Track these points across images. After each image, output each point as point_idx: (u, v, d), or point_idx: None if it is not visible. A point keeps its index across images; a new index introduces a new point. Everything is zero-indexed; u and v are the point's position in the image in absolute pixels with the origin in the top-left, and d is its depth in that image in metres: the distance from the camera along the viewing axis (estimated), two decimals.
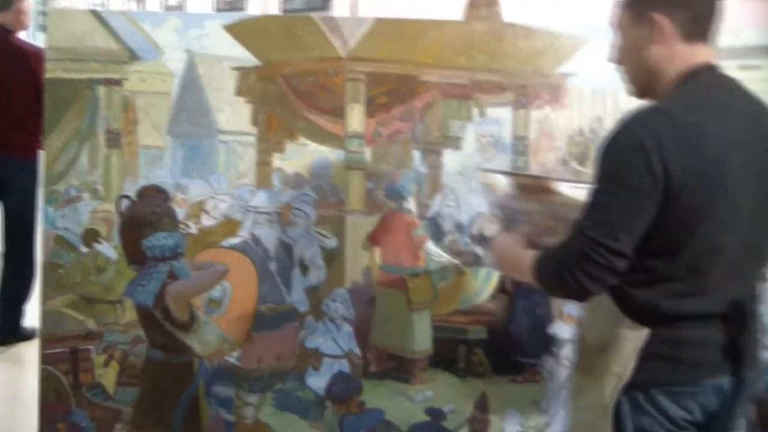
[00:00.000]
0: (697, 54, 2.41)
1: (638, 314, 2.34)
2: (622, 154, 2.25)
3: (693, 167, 2.23)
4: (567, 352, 4.08)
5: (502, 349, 4.13)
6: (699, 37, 2.42)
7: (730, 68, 4.06)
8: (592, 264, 2.24)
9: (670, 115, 2.28)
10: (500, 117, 4.08)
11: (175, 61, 3.83)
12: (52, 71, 3.78)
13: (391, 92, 4.00)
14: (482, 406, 4.08)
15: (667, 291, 2.32)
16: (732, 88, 2.45)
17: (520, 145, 4.09)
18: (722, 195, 2.28)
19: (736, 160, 2.30)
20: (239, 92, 3.88)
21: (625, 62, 2.53)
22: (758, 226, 2.40)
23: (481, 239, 4.09)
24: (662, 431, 2.38)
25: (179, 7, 7.67)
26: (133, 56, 3.84)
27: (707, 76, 2.41)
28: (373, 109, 3.97)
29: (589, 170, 4.04)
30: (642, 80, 2.51)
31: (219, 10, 7.29)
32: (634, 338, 2.33)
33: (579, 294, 2.32)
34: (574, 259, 2.26)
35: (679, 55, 2.41)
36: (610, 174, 2.26)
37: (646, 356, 2.33)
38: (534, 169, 4.07)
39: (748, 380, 2.44)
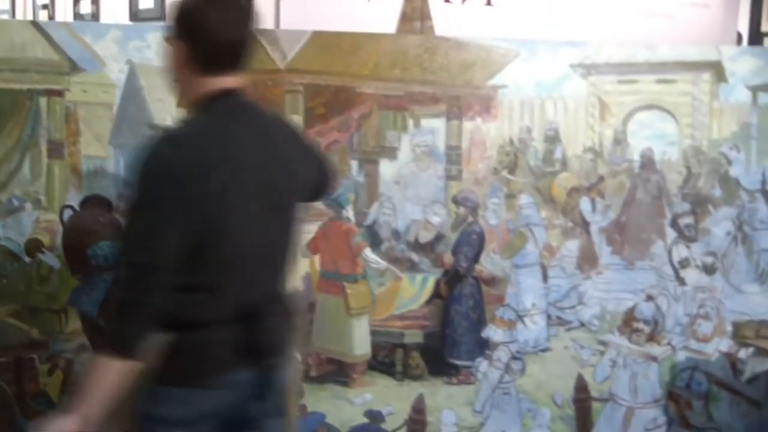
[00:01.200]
0: (218, 82, 2.52)
1: (163, 319, 2.46)
2: (147, 180, 2.38)
3: (206, 189, 2.38)
4: (500, 355, 4.24)
5: (438, 352, 4.25)
6: (219, 67, 2.51)
7: (648, 82, 4.34)
8: (147, 285, 2.37)
9: (185, 142, 2.43)
10: (434, 127, 4.21)
11: (116, 72, 3.83)
12: None
13: (329, 103, 4.09)
14: (419, 407, 4.20)
15: (188, 299, 2.46)
16: (249, 112, 2.61)
17: (453, 155, 4.22)
18: (235, 213, 2.45)
19: (248, 178, 2.48)
20: (180, 103, 3.92)
21: (171, 75, 2.62)
22: (273, 238, 2.61)
23: (417, 246, 4.21)
24: (182, 422, 2.54)
25: (94, 17, 7.59)
26: (74, 67, 3.83)
27: (226, 102, 2.53)
28: (311, 119, 4.05)
29: (519, 179, 4.22)
30: (182, 95, 2.68)
31: (132, 20, 7.25)
32: (158, 339, 2.46)
33: (152, 313, 2.40)
34: (132, 288, 2.38)
35: (201, 81, 2.52)
36: (141, 199, 2.39)
37: (169, 355, 2.47)
38: (466, 178, 4.22)
39: (273, 371, 2.65)
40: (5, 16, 9.24)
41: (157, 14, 6.89)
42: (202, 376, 2.53)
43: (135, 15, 7.12)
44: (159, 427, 2.55)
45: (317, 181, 2.89)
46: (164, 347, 2.47)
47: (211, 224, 2.40)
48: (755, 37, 8.26)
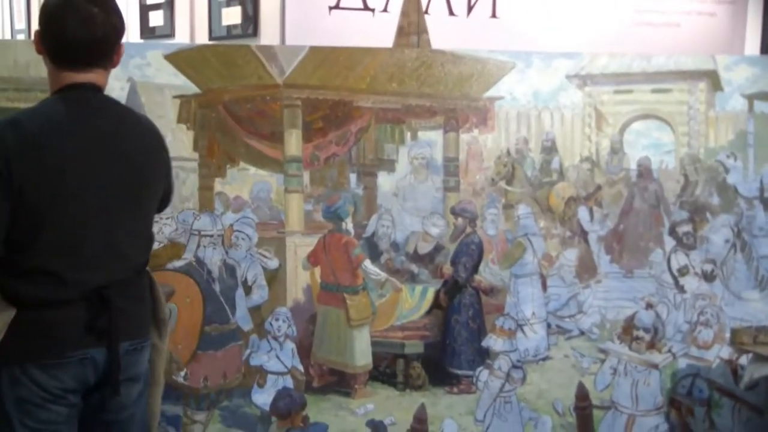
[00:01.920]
0: (68, 77, 2.71)
1: (8, 298, 2.64)
2: None
3: (34, 172, 2.57)
4: (500, 364, 4.27)
5: (439, 362, 4.29)
6: (69, 63, 2.71)
7: (644, 92, 4.38)
8: None
9: (20, 126, 2.59)
10: (431, 140, 4.27)
11: (117, 90, 3.88)
12: None
13: (327, 117, 4.15)
14: (421, 417, 4.23)
15: (30, 278, 2.63)
16: (99, 108, 2.76)
17: (450, 167, 4.28)
18: (67, 198, 2.62)
19: (85, 168, 2.65)
20: (181, 119, 3.98)
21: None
22: (116, 226, 2.74)
23: (416, 257, 4.26)
24: (39, 400, 2.68)
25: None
26: None
27: (72, 96, 2.71)
28: (310, 133, 4.12)
29: (516, 189, 4.26)
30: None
31: (143, 37, 7.35)
32: (3, 316, 2.63)
33: None
34: None
35: (53, 74, 2.75)
36: None
37: (15, 335, 2.63)
38: (464, 189, 4.27)
39: (127, 353, 2.80)
40: (22, 36, 9.38)
41: (167, 31, 6.99)
42: (53, 352, 2.67)
43: (146, 31, 7.23)
44: (17, 410, 2.68)
45: (163, 191, 3.00)
46: (13, 326, 2.63)
47: (34, 207, 2.58)
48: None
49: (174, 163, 3.91)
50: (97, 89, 2.77)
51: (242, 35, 6.03)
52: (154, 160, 2.90)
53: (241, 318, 4.06)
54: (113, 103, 2.85)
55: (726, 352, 4.42)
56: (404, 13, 4.45)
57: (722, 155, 4.45)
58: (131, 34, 7.17)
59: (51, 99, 2.73)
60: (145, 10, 7.27)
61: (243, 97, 4.05)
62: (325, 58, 4.11)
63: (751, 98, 4.44)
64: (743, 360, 4.33)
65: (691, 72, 4.45)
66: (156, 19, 7.13)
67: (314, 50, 4.10)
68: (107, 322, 2.71)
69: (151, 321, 2.98)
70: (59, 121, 2.65)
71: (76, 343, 2.69)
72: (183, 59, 3.97)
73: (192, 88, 3.98)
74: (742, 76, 4.44)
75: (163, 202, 3.04)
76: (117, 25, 2.76)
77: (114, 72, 3.83)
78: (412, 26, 4.43)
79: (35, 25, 2.80)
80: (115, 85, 3.90)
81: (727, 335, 4.39)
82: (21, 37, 9.43)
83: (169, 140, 3.72)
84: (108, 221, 2.72)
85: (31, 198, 2.57)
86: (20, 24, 9.62)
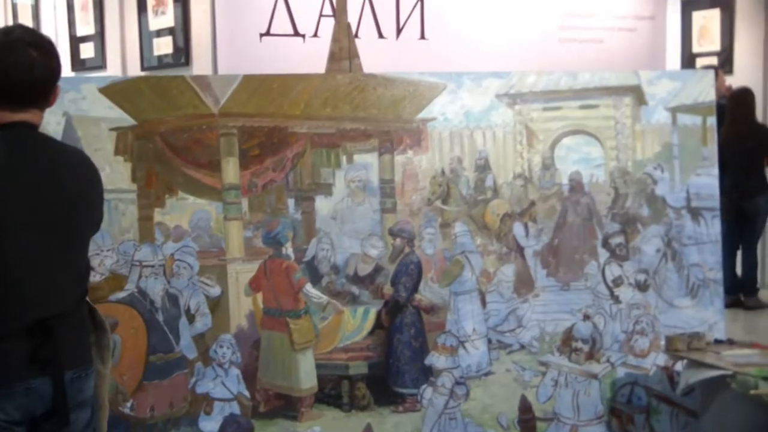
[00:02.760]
0: (4, 116, 2.75)
1: None
2: None
3: None
4: (444, 381, 4.33)
5: (383, 382, 4.33)
6: (5, 103, 2.74)
7: (572, 108, 4.48)
8: None
9: None
10: (367, 162, 4.33)
11: (54, 124, 3.89)
12: None
13: (263, 144, 4.20)
14: None
15: None
16: (35, 147, 2.81)
17: (387, 188, 4.34)
18: (7, 238, 2.68)
19: (24, 208, 2.71)
20: (118, 151, 4.00)
21: None
22: (55, 261, 2.80)
23: (357, 279, 4.31)
24: None
25: None
26: None
27: (8, 135, 2.75)
28: (247, 161, 4.16)
29: (452, 208, 4.34)
30: None
31: (75, 69, 7.33)
32: None
33: None
34: None
35: None
36: None
37: None
38: (401, 210, 4.34)
39: (72, 381, 2.83)
40: None
41: (98, 63, 6.98)
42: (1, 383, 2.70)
43: (77, 64, 7.21)
44: None
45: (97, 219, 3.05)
46: None
47: None
48: (689, 60, 8.51)
49: (113, 195, 3.99)
50: (33, 127, 2.80)
51: (174, 64, 6.06)
52: (89, 193, 2.93)
53: (186, 346, 4.08)
54: (49, 140, 2.90)
55: (662, 359, 4.52)
56: (335, 39, 4.52)
57: (650, 167, 4.57)
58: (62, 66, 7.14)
59: None
60: (75, 41, 7.27)
61: (179, 127, 4.08)
62: (259, 86, 4.16)
63: (674, 111, 4.57)
64: (678, 366, 4.44)
65: (616, 87, 4.57)
66: (87, 51, 7.13)
67: (248, 78, 4.15)
68: (51, 352, 2.74)
69: (94, 347, 3.01)
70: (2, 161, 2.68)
71: (20, 374, 2.72)
72: (118, 92, 3.99)
73: (128, 120, 4.00)
74: (664, 90, 4.57)
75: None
76: (55, 69, 2.80)
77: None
78: (344, 51, 4.50)
79: None
80: (51, 120, 3.91)
81: (662, 343, 4.49)
82: None
83: (107, 172, 3.79)
84: (47, 257, 2.76)
85: None
86: None
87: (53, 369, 2.77)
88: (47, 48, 2.78)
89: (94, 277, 3.82)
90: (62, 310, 2.81)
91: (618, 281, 4.54)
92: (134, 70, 6.51)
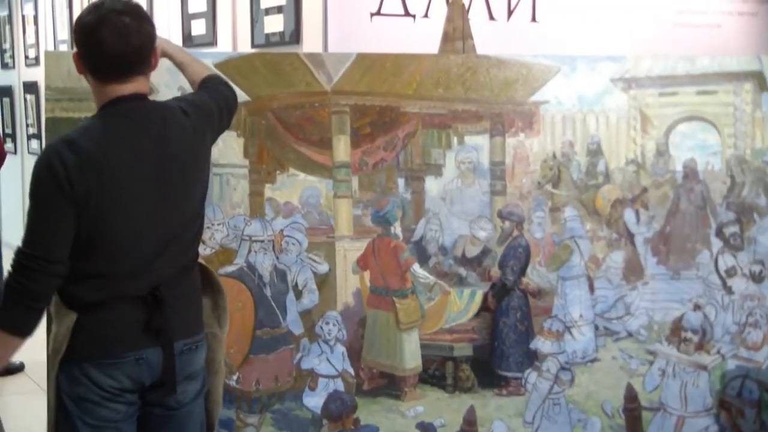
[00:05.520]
0: (112, 89, 2.81)
1: (67, 302, 2.78)
2: (39, 179, 2.72)
3: (93, 188, 2.68)
4: (548, 366, 4.30)
5: (487, 365, 4.32)
6: (110, 76, 2.80)
7: (688, 94, 4.38)
8: (34, 273, 2.69)
9: (76, 145, 2.70)
10: (478, 144, 4.29)
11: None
12: (51, 110, 3.89)
13: (375, 123, 4.19)
14: (470, 419, 4.25)
15: (87, 284, 2.77)
16: (146, 117, 2.87)
17: (497, 171, 4.30)
18: (124, 209, 2.75)
19: (132, 176, 2.77)
20: (230, 126, 4.03)
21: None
22: (168, 226, 2.86)
23: (464, 260, 4.29)
24: (97, 399, 2.81)
25: None
26: None
27: (120, 110, 2.81)
28: (358, 139, 4.16)
29: (562, 192, 4.28)
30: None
31: (185, 46, 7.42)
32: (66, 320, 2.78)
33: (36, 297, 2.73)
34: (20, 274, 2.71)
35: (97, 89, 2.85)
36: (33, 196, 2.74)
37: (75, 335, 2.77)
38: (511, 193, 4.30)
39: (183, 351, 2.92)
40: (65, 46, 9.50)
41: (209, 40, 7.06)
42: (109, 353, 2.80)
43: (188, 40, 7.31)
44: (77, 408, 2.82)
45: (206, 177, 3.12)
46: (72, 327, 2.77)
47: (95, 220, 2.71)
48: None
49: (225, 170, 4.05)
50: (142, 98, 2.88)
51: (283, 43, 6.09)
52: (198, 153, 3.01)
53: (292, 322, 4.11)
54: (158, 107, 2.97)
55: None
56: (449, 19, 4.48)
57: None
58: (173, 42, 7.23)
59: (100, 115, 2.84)
60: (187, 18, 7.36)
61: (292, 104, 4.10)
62: (371, 65, 4.15)
63: None
64: None
65: (736, 73, 4.45)
66: (198, 27, 7.21)
67: (361, 57, 4.15)
68: (162, 321, 2.83)
69: (211, 310, 3.13)
70: (111, 137, 2.77)
71: (132, 343, 2.83)
72: (232, 67, 4.01)
73: (241, 96, 4.01)
74: None
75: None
76: (150, 32, 2.86)
77: (165, 81, 3.94)
78: (458, 32, 4.46)
79: None
80: (167, 94, 3.95)
81: None
82: (63, 47, 9.55)
83: (219, 147, 3.83)
84: (160, 224, 2.85)
85: (91, 212, 2.71)
86: (63, 35, 9.74)
87: (164, 339, 2.85)
88: (139, 12, 2.83)
89: (204, 251, 3.86)
90: (172, 275, 2.90)
91: (731, 271, 4.44)
92: (244, 47, 6.56)
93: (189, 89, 3.49)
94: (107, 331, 2.81)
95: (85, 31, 2.78)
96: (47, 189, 2.69)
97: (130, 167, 2.76)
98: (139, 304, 2.82)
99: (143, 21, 2.82)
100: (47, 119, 3.92)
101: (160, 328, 2.84)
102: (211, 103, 3.15)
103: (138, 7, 2.87)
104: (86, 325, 2.79)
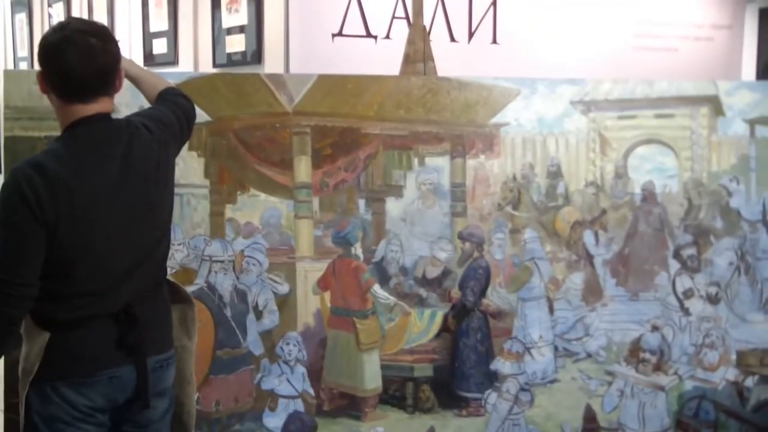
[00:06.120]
0: (76, 111, 2.79)
1: (40, 321, 2.78)
2: (9, 204, 2.68)
3: (64, 211, 2.67)
4: (508, 386, 4.31)
5: (448, 385, 4.33)
6: (76, 97, 2.78)
7: (647, 117, 4.44)
8: (9, 297, 2.66)
9: (43, 168, 2.68)
10: (438, 166, 4.31)
11: None
12: (9, 129, 3.84)
13: (336, 144, 4.20)
14: None
15: (60, 304, 2.76)
16: (111, 137, 2.85)
17: (457, 192, 4.33)
18: (96, 230, 2.74)
19: (106, 197, 2.76)
20: (192, 147, 4.00)
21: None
22: (139, 243, 2.87)
23: (425, 281, 4.31)
24: (69, 419, 2.80)
25: None
26: None
27: (83, 130, 2.79)
28: (319, 160, 4.17)
29: (522, 214, 4.31)
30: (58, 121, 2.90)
31: (146, 65, 7.40)
32: (39, 340, 2.77)
33: (14, 321, 2.70)
34: None
35: (61, 109, 2.83)
36: (3, 221, 2.69)
37: (48, 354, 2.76)
38: (471, 214, 4.32)
39: (155, 368, 2.93)
40: (24, 64, 9.45)
41: (171, 59, 7.05)
42: (83, 371, 2.79)
43: (149, 59, 7.29)
44: (47, 428, 2.80)
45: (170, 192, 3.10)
46: (45, 347, 2.76)
47: (65, 242, 2.69)
48: (765, 70, 8.36)
49: (186, 190, 4.03)
50: (106, 117, 2.86)
51: (244, 63, 6.10)
52: (164, 169, 3.00)
53: (253, 342, 4.10)
54: (122, 126, 2.93)
55: (732, 373, 4.46)
56: (410, 41, 4.52)
57: (725, 179, 4.51)
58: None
59: (65, 137, 2.81)
60: (148, 37, 7.34)
61: (253, 124, 4.10)
62: (333, 86, 4.17)
63: (752, 123, 4.50)
64: (749, 382, 4.38)
65: (693, 97, 4.52)
66: (160, 46, 7.20)
67: (322, 78, 4.16)
68: (135, 338, 2.83)
69: (179, 323, 3.14)
70: (79, 159, 2.75)
71: (106, 361, 2.82)
72: (193, 87, 3.98)
73: (202, 116, 4.01)
74: (743, 101, 4.51)
75: None
76: (115, 53, 2.84)
77: (125, 99, 3.91)
78: (419, 54, 4.50)
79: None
80: (126, 113, 3.94)
81: (733, 357, 4.43)
82: (23, 64, 9.50)
83: (180, 167, 3.81)
84: (131, 242, 2.85)
85: (62, 235, 2.69)
86: (23, 51, 9.69)
87: (137, 356, 2.85)
88: (104, 33, 2.82)
89: None
90: (143, 290, 2.90)
91: (688, 293, 4.48)
92: (206, 66, 6.56)
93: None
94: (81, 350, 2.79)
95: (50, 51, 2.76)
96: (18, 215, 2.65)
97: (98, 189, 2.75)
98: (112, 322, 2.82)
99: (108, 42, 2.81)
100: (6, 138, 3.87)
101: (134, 344, 2.84)
102: (172, 116, 3.14)
103: (103, 27, 2.86)
104: (60, 344, 2.77)
